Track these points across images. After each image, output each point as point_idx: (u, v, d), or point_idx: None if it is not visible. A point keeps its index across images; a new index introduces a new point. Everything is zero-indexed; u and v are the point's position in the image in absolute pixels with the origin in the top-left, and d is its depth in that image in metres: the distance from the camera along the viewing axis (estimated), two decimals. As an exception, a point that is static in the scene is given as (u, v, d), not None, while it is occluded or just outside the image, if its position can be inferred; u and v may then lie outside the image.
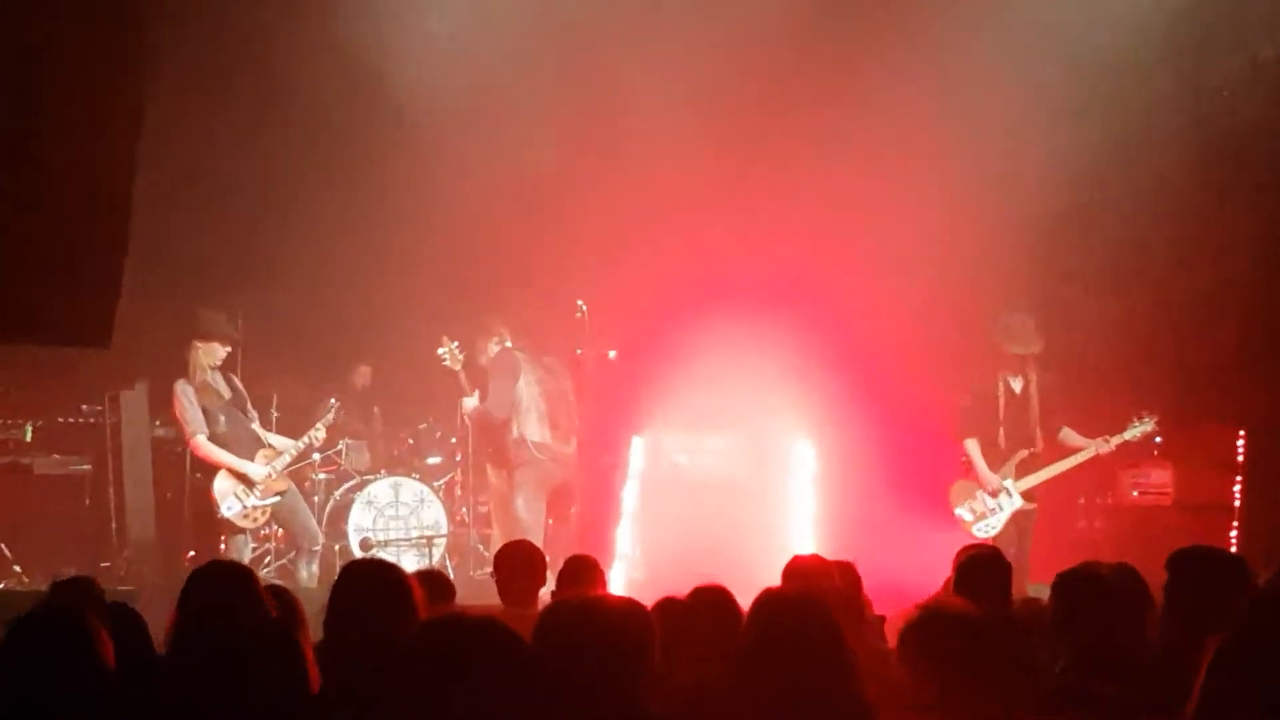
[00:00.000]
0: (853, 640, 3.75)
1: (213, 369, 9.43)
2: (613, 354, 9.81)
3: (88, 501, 10.63)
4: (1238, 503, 10.40)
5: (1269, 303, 10.07)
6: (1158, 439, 9.94)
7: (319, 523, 10.07)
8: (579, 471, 9.94)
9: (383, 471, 10.76)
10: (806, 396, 9.58)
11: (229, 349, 9.51)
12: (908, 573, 6.91)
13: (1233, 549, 9.70)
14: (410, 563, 9.65)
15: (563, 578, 5.56)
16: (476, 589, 9.10)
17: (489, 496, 10.70)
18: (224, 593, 4.18)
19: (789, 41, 9.77)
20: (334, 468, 10.86)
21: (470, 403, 10.00)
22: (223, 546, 9.52)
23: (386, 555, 9.58)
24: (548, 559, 6.02)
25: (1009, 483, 9.24)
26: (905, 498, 9.60)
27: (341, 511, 10.37)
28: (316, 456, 10.44)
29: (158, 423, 10.66)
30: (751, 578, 4.51)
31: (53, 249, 8.19)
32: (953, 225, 9.80)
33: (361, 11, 9.59)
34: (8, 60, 7.91)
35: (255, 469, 9.42)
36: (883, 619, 5.28)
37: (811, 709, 3.50)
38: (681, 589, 4.50)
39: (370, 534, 10.24)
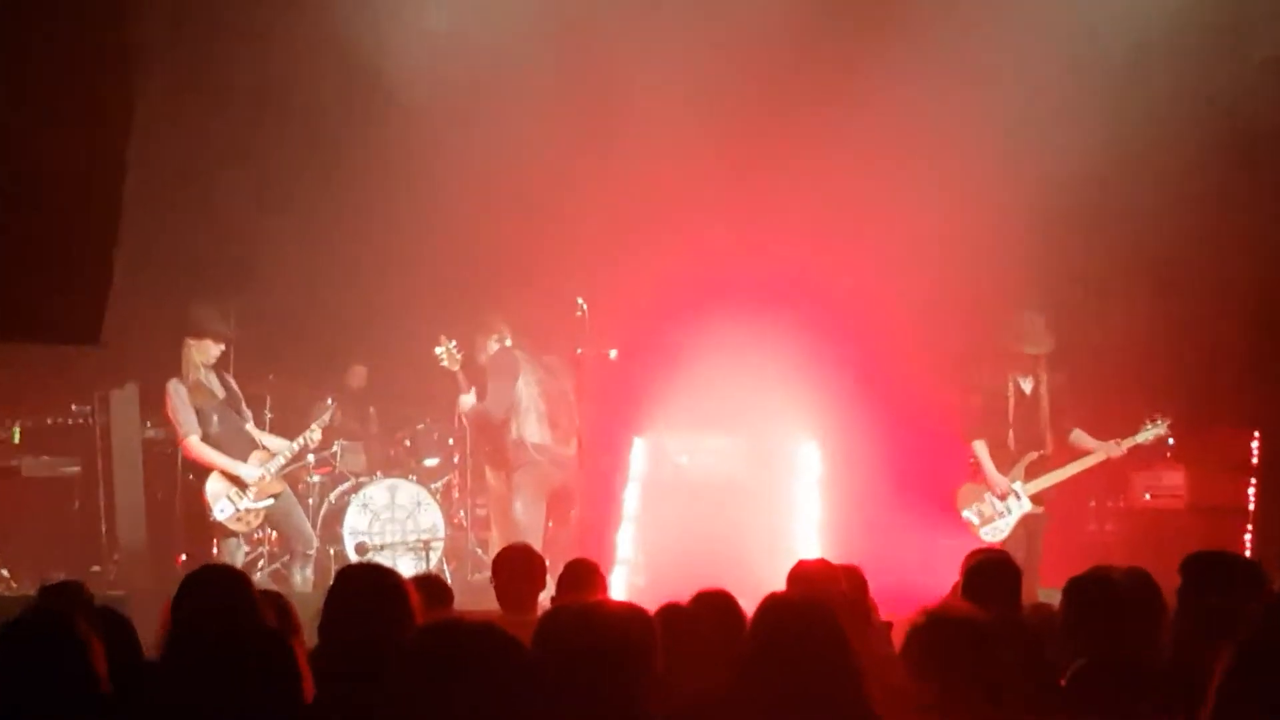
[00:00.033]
0: (859, 647, 3.74)
1: (206, 367, 9.44)
2: (613, 353, 9.81)
3: (77, 504, 10.62)
4: (1252, 506, 10.40)
5: (1285, 303, 10.08)
6: (1170, 441, 9.93)
7: (313, 526, 10.08)
8: (579, 474, 9.93)
9: (379, 473, 10.75)
10: (811, 397, 9.57)
11: (223, 347, 9.51)
12: (915, 577, 6.91)
13: (1247, 553, 9.72)
14: (407, 567, 9.65)
15: (562, 582, 5.56)
16: (474, 594, 9.08)
17: (487, 499, 10.70)
18: (218, 598, 4.18)
19: (792, 38, 9.81)
20: (329, 470, 10.86)
21: (467, 401, 9.98)
22: (215, 550, 9.53)
23: (382, 559, 9.57)
24: (547, 563, 6.02)
25: (1018, 485, 9.22)
26: (913, 500, 9.60)
27: (336, 514, 10.36)
28: (311, 458, 10.44)
29: (149, 423, 10.65)
30: (755, 582, 4.52)
31: (42, 244, 8.20)
32: (961, 223, 9.80)
33: (360, 8, 9.61)
34: (-1, 57, 7.93)
35: (249, 471, 9.42)
36: (889, 625, 5.27)
37: (816, 717, 3.50)
38: (684, 594, 4.50)
39: (366, 538, 10.23)
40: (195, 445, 9.34)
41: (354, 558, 9.91)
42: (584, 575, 5.56)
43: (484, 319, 10.07)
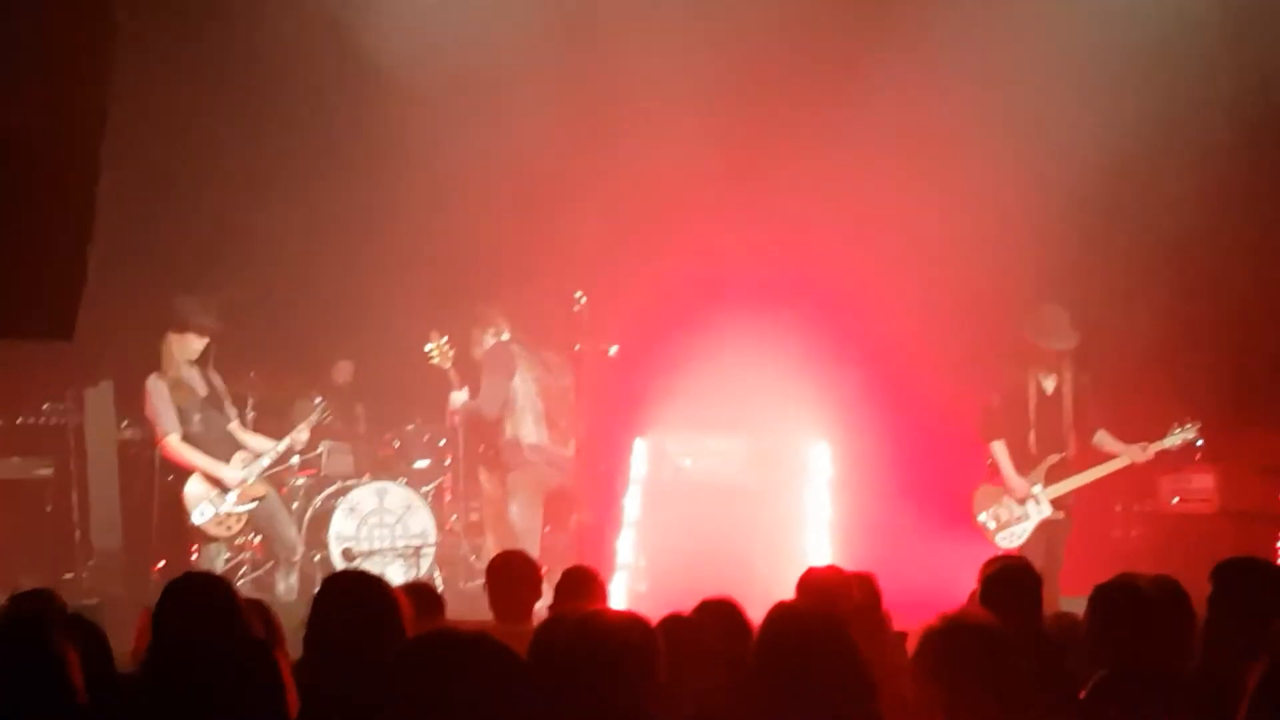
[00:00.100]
0: (871, 659, 3.75)
1: (188, 363, 9.44)
2: (613, 350, 9.81)
3: (49, 508, 10.63)
4: (1286, 511, 10.41)
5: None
6: (1199, 443, 9.93)
7: (298, 531, 10.08)
8: (578, 476, 9.94)
9: (366, 476, 10.75)
10: (822, 396, 9.58)
11: (206, 341, 9.50)
12: (931, 585, 6.92)
13: (1280, 560, 9.72)
14: (396, 574, 9.65)
15: (560, 590, 5.57)
16: (467, 602, 9.10)
17: (481, 503, 10.69)
18: (203, 607, 4.18)
19: (794, 34, 9.91)
20: (314, 472, 10.87)
21: (459, 398, 9.97)
22: (194, 556, 9.53)
23: (370, 566, 9.59)
24: (544, 570, 6.04)
25: (1038, 489, 9.19)
26: (928, 504, 9.61)
27: (322, 519, 10.36)
28: (296, 460, 10.43)
29: (125, 422, 10.67)
30: (762, 590, 4.53)
31: (12, 236, 8.20)
32: (980, 217, 9.83)
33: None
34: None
35: (231, 472, 9.43)
36: (904, 635, 5.28)
37: (827, 732, 3.51)
38: (687, 602, 4.50)
39: (353, 543, 10.23)
40: (175, 444, 9.34)
41: (340, 565, 9.91)
42: (582, 583, 5.57)
43: (479, 311, 10.05)
